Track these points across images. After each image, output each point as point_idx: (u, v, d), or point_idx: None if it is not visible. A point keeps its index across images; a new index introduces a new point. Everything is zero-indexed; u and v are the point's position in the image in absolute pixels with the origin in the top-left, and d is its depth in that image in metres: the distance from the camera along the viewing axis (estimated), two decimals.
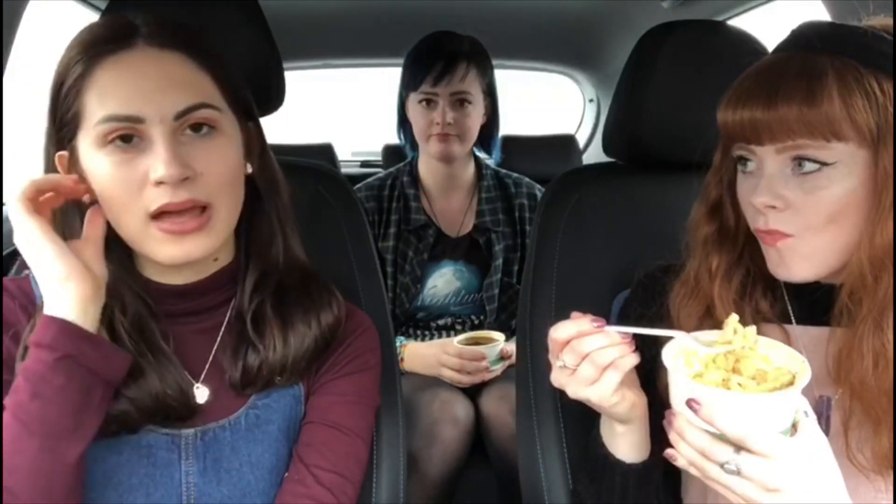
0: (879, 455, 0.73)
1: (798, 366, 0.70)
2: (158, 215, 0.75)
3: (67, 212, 0.80)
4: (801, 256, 0.75)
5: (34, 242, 0.73)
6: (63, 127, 0.77)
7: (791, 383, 0.69)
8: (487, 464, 1.55)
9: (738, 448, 0.65)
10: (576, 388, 0.75)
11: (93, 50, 0.76)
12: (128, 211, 0.75)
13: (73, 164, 0.79)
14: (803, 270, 0.76)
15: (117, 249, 0.81)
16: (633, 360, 0.75)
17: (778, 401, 0.66)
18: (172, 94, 0.75)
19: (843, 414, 0.77)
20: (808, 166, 0.73)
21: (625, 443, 0.83)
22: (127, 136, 0.74)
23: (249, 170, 0.85)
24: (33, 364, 0.71)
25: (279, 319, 0.85)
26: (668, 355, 0.72)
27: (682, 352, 0.73)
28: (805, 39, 0.76)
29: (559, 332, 0.75)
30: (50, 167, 0.80)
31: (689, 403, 0.67)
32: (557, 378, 0.77)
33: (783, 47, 0.78)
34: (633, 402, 0.78)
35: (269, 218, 0.88)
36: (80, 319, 0.73)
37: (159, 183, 0.73)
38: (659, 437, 0.80)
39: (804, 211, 0.73)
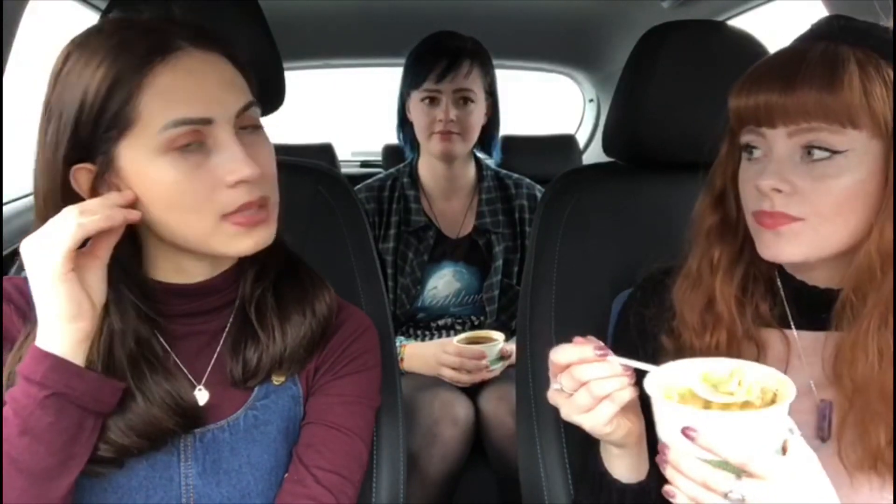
0: (871, 452, 0.72)
1: (776, 383, 0.68)
2: (233, 212, 0.76)
3: None
4: (800, 242, 0.74)
5: (50, 282, 0.70)
6: (107, 131, 0.72)
7: (773, 401, 0.67)
8: (487, 464, 1.55)
9: (740, 474, 0.63)
10: (569, 413, 0.74)
11: (146, 56, 0.72)
12: (199, 213, 0.75)
13: (108, 174, 0.75)
14: (794, 255, 0.75)
15: (125, 253, 0.79)
16: (630, 394, 0.73)
17: (772, 417, 0.65)
18: (230, 94, 0.76)
19: (839, 414, 0.76)
20: (819, 154, 0.72)
21: (620, 464, 0.82)
22: (193, 142, 0.73)
23: None
24: (22, 398, 0.71)
25: (277, 309, 0.85)
26: (651, 385, 0.69)
27: (661, 386, 0.70)
28: (826, 30, 0.76)
29: (560, 355, 0.73)
30: (55, 179, 0.75)
31: (685, 432, 0.64)
32: (553, 398, 0.76)
33: (802, 40, 0.78)
34: (627, 430, 0.76)
35: None
36: (71, 355, 0.72)
37: (238, 183, 0.74)
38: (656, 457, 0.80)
39: (812, 197, 0.73)
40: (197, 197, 0.74)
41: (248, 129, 0.78)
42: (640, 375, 0.73)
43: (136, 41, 0.73)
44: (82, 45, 0.74)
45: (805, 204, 0.73)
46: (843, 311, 0.75)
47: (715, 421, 0.64)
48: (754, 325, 0.82)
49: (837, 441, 0.75)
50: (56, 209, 0.73)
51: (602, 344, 0.73)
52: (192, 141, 0.73)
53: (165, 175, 0.73)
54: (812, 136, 0.72)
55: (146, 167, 0.73)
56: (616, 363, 0.72)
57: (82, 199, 0.74)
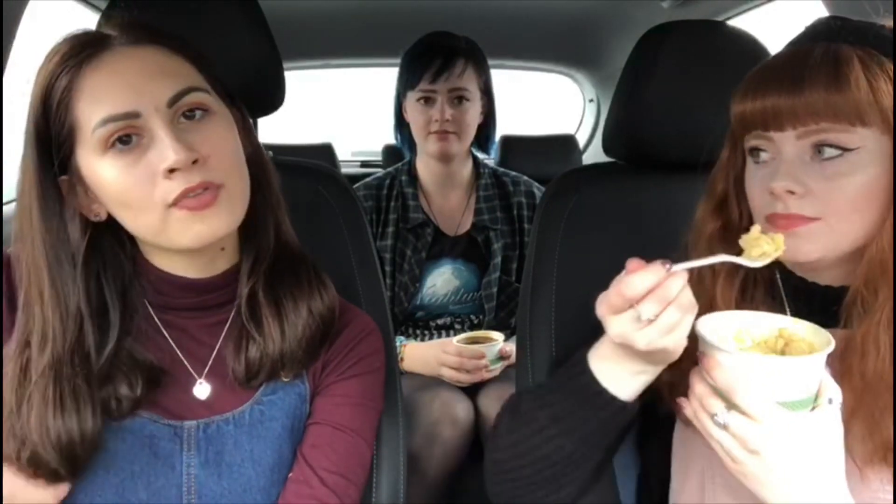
0: (882, 445, 0.72)
1: (823, 341, 0.70)
2: (176, 201, 0.75)
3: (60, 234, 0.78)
4: (817, 241, 0.74)
5: None
6: (61, 145, 0.76)
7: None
8: None
9: (730, 406, 0.67)
10: (653, 340, 0.70)
11: (72, 60, 0.75)
12: (146, 207, 0.75)
13: (76, 182, 0.78)
14: (812, 253, 0.75)
15: (127, 244, 0.83)
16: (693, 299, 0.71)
17: (777, 366, 0.67)
18: (160, 83, 0.76)
19: (846, 409, 0.76)
20: (829, 152, 0.72)
21: (633, 381, 0.78)
22: (126, 136, 0.74)
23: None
24: None
25: (274, 307, 0.85)
26: (704, 326, 0.71)
27: (736, 330, 0.74)
28: (824, 31, 0.76)
29: (636, 286, 0.69)
30: (46, 194, 0.78)
31: (698, 355, 0.69)
32: (624, 332, 0.71)
33: (799, 41, 0.78)
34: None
35: (262, 202, 0.87)
36: None
37: (171, 171, 0.73)
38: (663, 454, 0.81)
39: (826, 197, 0.73)
40: (139, 191, 0.74)
41: (194, 115, 0.77)
42: None
43: (68, 52, 0.75)
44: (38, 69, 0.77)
45: (819, 204, 0.73)
46: (853, 306, 0.75)
47: (716, 350, 0.68)
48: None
49: (845, 436, 0.75)
50: (51, 216, 0.77)
51: (664, 259, 0.70)
52: (121, 137, 0.74)
53: (108, 174, 0.75)
54: (822, 136, 0.72)
55: (94, 170, 0.76)
56: (683, 272, 0.69)
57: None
